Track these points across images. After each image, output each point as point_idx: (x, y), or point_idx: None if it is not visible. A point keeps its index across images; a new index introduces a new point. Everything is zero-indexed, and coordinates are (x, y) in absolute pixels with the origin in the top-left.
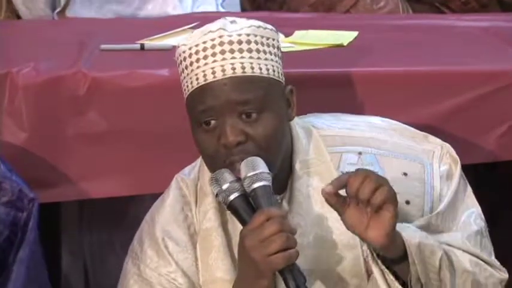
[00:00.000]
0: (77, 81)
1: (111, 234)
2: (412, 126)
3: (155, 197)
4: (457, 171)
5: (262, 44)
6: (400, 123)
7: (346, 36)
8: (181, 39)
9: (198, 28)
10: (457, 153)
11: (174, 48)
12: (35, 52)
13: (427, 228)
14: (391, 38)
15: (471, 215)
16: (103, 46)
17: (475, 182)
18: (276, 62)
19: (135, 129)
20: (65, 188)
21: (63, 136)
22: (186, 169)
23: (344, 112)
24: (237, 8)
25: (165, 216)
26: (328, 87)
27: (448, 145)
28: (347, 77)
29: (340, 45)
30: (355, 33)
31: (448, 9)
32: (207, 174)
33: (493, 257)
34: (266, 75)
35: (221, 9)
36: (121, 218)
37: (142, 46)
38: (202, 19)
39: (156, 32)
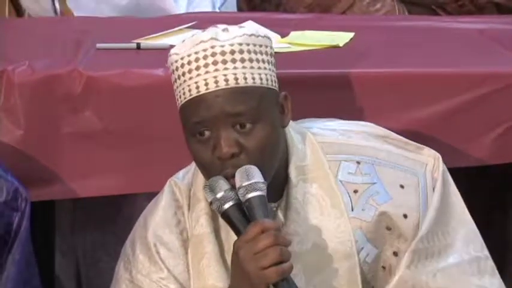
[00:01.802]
0: (73, 79)
1: (104, 235)
2: (407, 128)
3: (150, 198)
4: (438, 187)
5: (255, 52)
6: (392, 132)
7: (342, 37)
8: (177, 39)
9: (194, 28)
10: (452, 156)
11: (170, 47)
12: (30, 50)
13: (418, 254)
14: (387, 40)
15: (466, 236)
16: (99, 45)
17: (468, 184)
18: (269, 69)
19: (131, 128)
20: (59, 186)
21: (58, 134)
22: (180, 173)
23: (339, 113)
24: (234, 9)
25: (157, 221)
26: (323, 88)
27: (439, 156)
28: (342, 78)
29: (336, 46)
30: (351, 34)
31: (444, 11)
32: (200, 179)
33: (496, 275)
34: (259, 85)
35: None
36: (115, 219)
37: (138, 45)
38: (199, 19)
39: (152, 31)
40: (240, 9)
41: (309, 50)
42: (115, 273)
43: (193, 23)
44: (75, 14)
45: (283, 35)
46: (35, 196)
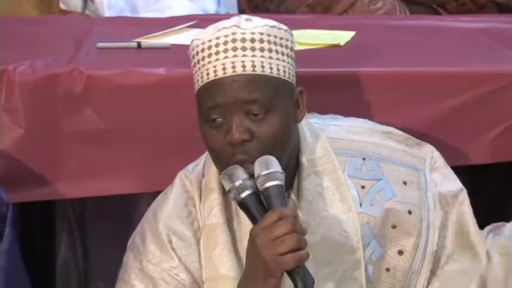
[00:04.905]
0: (73, 79)
1: (108, 232)
2: (407, 127)
3: (155, 196)
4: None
5: (275, 43)
6: (394, 128)
7: (343, 36)
8: (178, 38)
9: (195, 27)
10: (452, 154)
11: (171, 46)
12: (31, 49)
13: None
14: (387, 39)
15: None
16: (100, 44)
17: (469, 183)
18: (288, 62)
19: (131, 128)
20: (60, 186)
21: (59, 133)
22: (190, 166)
23: (339, 112)
24: (234, 8)
25: (168, 212)
26: (324, 87)
27: (433, 148)
28: (343, 77)
29: (337, 45)
30: (352, 33)
31: (444, 10)
32: (213, 170)
33: None
34: (276, 76)
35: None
36: (116, 217)
37: (139, 44)
38: (199, 19)
39: (153, 30)
40: (241, 8)
41: (310, 49)
42: (123, 264)
43: (194, 22)
44: None
45: None
46: (36, 196)
